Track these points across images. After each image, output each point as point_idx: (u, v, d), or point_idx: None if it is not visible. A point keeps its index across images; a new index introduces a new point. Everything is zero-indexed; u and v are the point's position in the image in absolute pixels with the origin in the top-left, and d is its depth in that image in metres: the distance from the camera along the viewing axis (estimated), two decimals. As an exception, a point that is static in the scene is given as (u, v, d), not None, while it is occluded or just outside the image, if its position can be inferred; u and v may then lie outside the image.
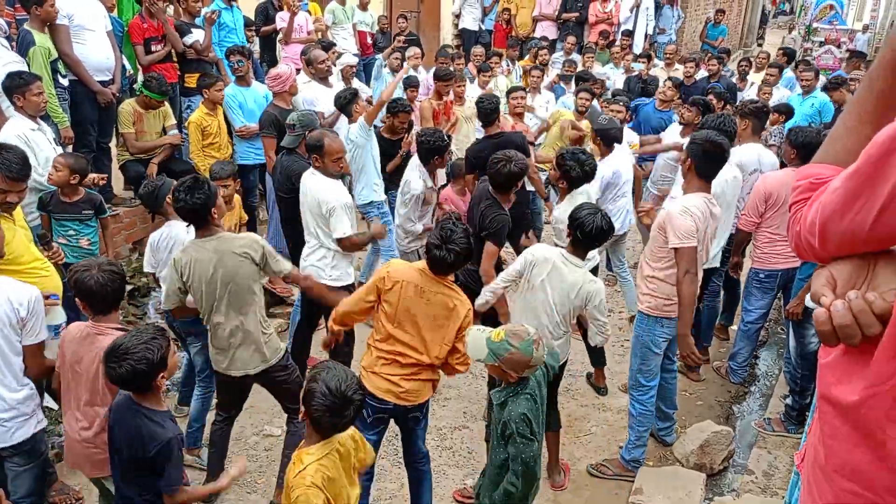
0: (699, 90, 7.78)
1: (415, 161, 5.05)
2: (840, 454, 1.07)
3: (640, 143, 6.28)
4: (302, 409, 2.35)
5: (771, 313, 5.17)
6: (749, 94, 8.32)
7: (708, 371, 5.21)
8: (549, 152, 7.16)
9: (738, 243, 4.78)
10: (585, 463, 4.16)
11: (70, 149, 5.05)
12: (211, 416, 3.92)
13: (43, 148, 4.39)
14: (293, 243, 4.84)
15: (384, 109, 5.81)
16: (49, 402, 3.78)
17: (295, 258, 4.55)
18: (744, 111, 5.02)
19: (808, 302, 1.09)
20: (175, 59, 6.50)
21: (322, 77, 6.34)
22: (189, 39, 6.47)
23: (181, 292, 3.32)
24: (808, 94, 7.56)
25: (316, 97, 6.17)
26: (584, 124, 6.39)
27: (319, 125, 5.01)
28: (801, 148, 4.40)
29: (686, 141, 5.49)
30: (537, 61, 8.78)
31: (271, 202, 5.91)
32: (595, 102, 6.94)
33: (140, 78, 6.22)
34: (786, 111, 6.65)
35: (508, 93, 6.63)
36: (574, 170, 4.18)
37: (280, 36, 8.15)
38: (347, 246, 4.12)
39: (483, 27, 12.03)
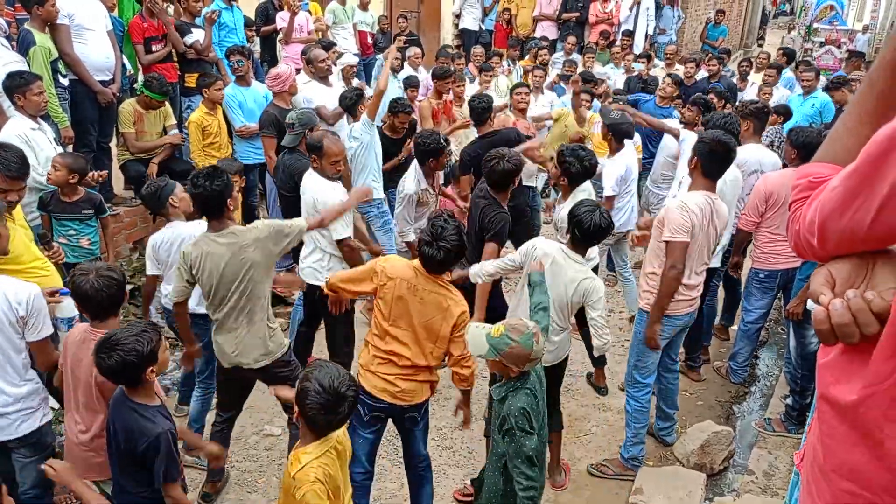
0: (699, 90, 7.77)
1: (415, 161, 5.05)
2: (838, 454, 1.07)
3: (645, 122, 6.18)
4: (296, 409, 2.34)
5: (771, 313, 5.17)
6: (749, 94, 8.32)
7: (708, 371, 5.21)
8: (550, 153, 7.16)
9: (738, 243, 4.78)
10: (586, 463, 4.16)
11: (70, 148, 5.06)
12: (210, 417, 3.93)
13: (43, 147, 4.40)
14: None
15: (385, 107, 5.82)
16: (51, 402, 3.78)
17: (295, 257, 4.57)
18: (745, 112, 5.02)
19: (810, 304, 1.09)
20: (175, 58, 6.50)
21: (322, 76, 6.34)
22: (189, 39, 6.48)
23: (189, 284, 3.32)
24: (808, 94, 7.56)
25: (315, 96, 6.17)
26: (584, 129, 6.41)
27: (320, 120, 5.01)
28: (801, 148, 4.40)
29: (686, 133, 5.52)
30: (537, 61, 8.78)
31: (271, 201, 5.92)
32: (596, 102, 6.95)
33: (140, 77, 6.23)
34: (784, 112, 6.65)
35: (512, 89, 6.66)
36: (574, 165, 4.18)
37: (280, 36, 8.16)
38: (346, 252, 4.06)
39: (483, 27, 12.03)
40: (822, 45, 16.61)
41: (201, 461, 3.93)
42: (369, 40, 9.48)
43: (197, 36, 6.52)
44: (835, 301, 1.00)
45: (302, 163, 4.58)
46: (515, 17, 11.78)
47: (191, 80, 6.49)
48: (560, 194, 4.68)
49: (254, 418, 4.38)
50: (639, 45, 11.36)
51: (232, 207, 3.31)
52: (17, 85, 4.31)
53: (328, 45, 7.05)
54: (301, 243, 4.36)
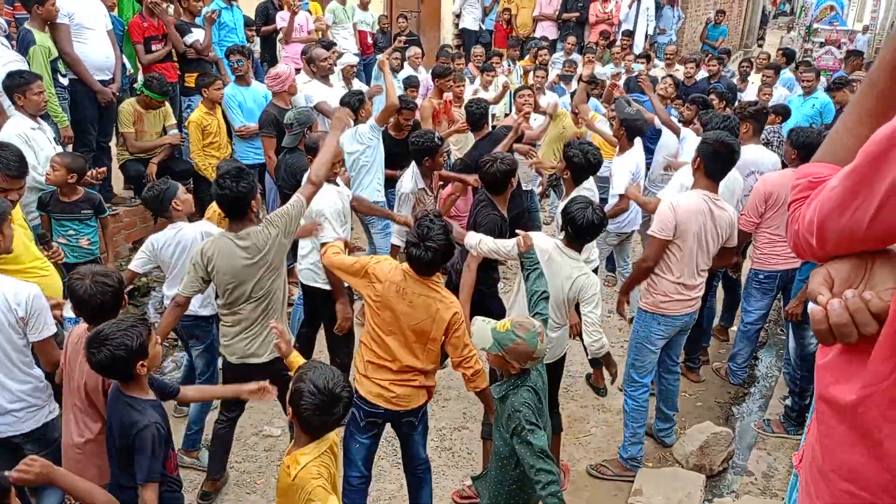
0: (699, 91, 7.78)
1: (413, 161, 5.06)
2: (837, 454, 1.07)
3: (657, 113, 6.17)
4: (290, 410, 2.32)
5: (770, 314, 5.16)
6: (749, 95, 8.32)
7: (708, 372, 5.21)
8: (549, 154, 7.16)
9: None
10: (585, 464, 4.16)
11: (70, 148, 5.06)
12: (210, 417, 3.93)
13: (43, 147, 4.40)
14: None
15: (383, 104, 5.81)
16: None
17: (294, 256, 4.57)
18: (744, 114, 4.98)
19: (810, 304, 1.08)
20: (175, 58, 6.51)
21: (323, 75, 6.34)
22: (189, 39, 6.48)
23: (203, 282, 3.32)
24: (809, 94, 7.56)
25: (316, 95, 6.17)
26: (583, 130, 6.41)
27: (320, 116, 4.99)
28: (802, 148, 4.40)
29: (686, 132, 5.52)
30: (537, 61, 8.78)
31: (271, 201, 5.92)
32: (595, 102, 6.94)
33: (140, 77, 6.23)
34: (783, 112, 6.65)
35: (515, 92, 6.65)
36: (577, 157, 4.14)
37: (280, 35, 8.16)
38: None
39: (483, 27, 12.03)
40: (821, 45, 16.59)
41: (200, 462, 3.92)
42: (369, 40, 9.48)
43: (197, 35, 6.52)
44: (833, 301, 1.00)
45: (303, 161, 4.60)
46: (515, 17, 11.78)
47: (191, 80, 6.49)
48: (559, 197, 4.68)
49: (253, 419, 4.38)
50: (639, 45, 11.37)
51: (255, 209, 3.33)
52: (17, 84, 4.30)
53: (328, 45, 7.05)
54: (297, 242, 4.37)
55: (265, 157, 5.80)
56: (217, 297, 3.45)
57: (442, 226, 2.99)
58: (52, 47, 5.07)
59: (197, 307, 3.86)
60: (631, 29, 11.30)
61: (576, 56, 9.82)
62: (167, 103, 5.87)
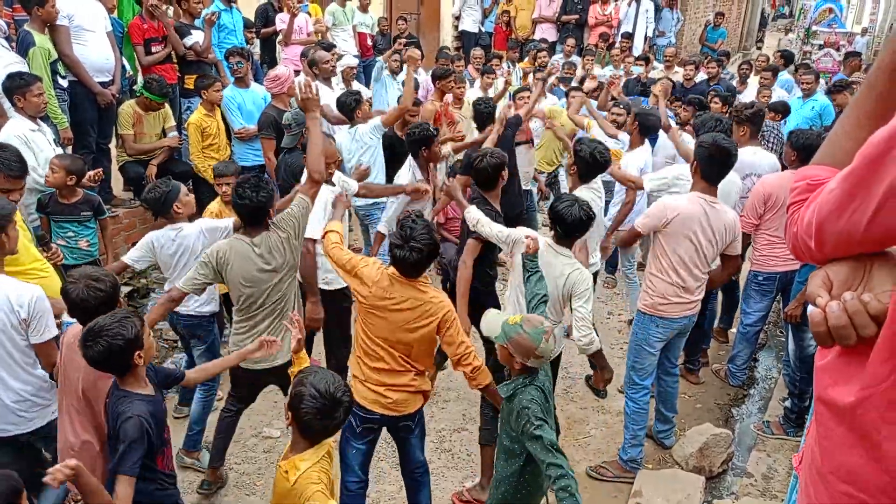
0: (698, 93, 7.79)
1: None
2: (836, 456, 1.07)
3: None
4: (289, 414, 2.30)
5: (770, 316, 5.16)
6: (747, 96, 8.32)
7: (707, 374, 5.21)
8: (549, 154, 7.17)
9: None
10: (584, 465, 4.15)
11: (70, 150, 5.05)
12: (212, 418, 3.93)
13: (43, 148, 4.40)
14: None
15: (383, 106, 5.83)
16: None
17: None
18: (740, 118, 4.95)
19: (809, 306, 1.09)
20: (175, 60, 6.51)
21: (325, 77, 6.35)
22: (189, 41, 6.49)
23: (208, 283, 3.32)
24: (808, 97, 7.57)
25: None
26: (588, 122, 6.40)
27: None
28: (801, 150, 4.39)
29: (682, 135, 5.52)
30: (537, 63, 8.79)
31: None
32: (594, 102, 6.95)
33: (140, 79, 6.23)
34: (782, 110, 6.64)
35: (515, 94, 6.66)
36: (584, 152, 4.13)
37: (280, 37, 8.16)
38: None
39: (483, 29, 12.05)
40: (820, 47, 16.61)
41: (201, 463, 3.92)
42: (369, 42, 9.49)
43: (196, 37, 6.52)
44: (831, 303, 1.01)
45: (302, 161, 4.60)
46: (515, 19, 11.80)
47: (190, 82, 6.49)
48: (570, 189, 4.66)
49: (252, 420, 4.37)
50: (638, 47, 11.39)
51: (272, 217, 3.36)
52: (17, 86, 4.31)
53: (328, 47, 7.06)
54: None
55: (264, 158, 5.80)
56: (232, 302, 3.46)
57: (425, 226, 2.94)
58: (52, 49, 5.07)
59: (198, 306, 3.86)
60: (630, 31, 11.33)
61: (575, 58, 9.83)
62: (167, 105, 5.87)
